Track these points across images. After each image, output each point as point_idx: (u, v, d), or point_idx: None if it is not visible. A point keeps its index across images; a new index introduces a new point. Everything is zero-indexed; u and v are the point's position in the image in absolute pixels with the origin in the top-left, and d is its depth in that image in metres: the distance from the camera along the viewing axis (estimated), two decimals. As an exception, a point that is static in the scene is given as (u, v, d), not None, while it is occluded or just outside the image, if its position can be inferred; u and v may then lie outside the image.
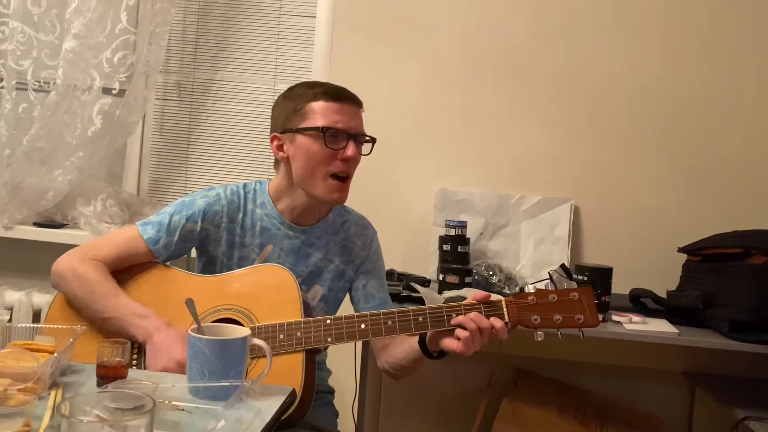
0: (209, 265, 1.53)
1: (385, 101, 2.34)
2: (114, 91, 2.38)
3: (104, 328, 1.37)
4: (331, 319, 1.36)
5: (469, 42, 2.38)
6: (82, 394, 0.94)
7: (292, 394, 1.20)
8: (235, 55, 2.63)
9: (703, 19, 2.29)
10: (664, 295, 2.02)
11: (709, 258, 1.96)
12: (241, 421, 1.05)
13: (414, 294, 1.91)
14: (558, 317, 1.33)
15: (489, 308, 1.34)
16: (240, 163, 2.63)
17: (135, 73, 2.38)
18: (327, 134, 1.42)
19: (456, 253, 2.15)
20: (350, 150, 1.44)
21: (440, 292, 1.96)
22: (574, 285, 2.00)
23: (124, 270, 1.45)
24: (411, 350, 1.43)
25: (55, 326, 1.25)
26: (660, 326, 1.84)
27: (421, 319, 1.34)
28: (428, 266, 2.30)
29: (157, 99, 2.65)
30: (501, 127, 2.37)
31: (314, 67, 2.54)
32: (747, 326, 1.77)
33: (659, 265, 2.17)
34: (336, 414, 1.68)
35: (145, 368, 1.34)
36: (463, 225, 2.18)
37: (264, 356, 1.20)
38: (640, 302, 2.00)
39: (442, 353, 1.38)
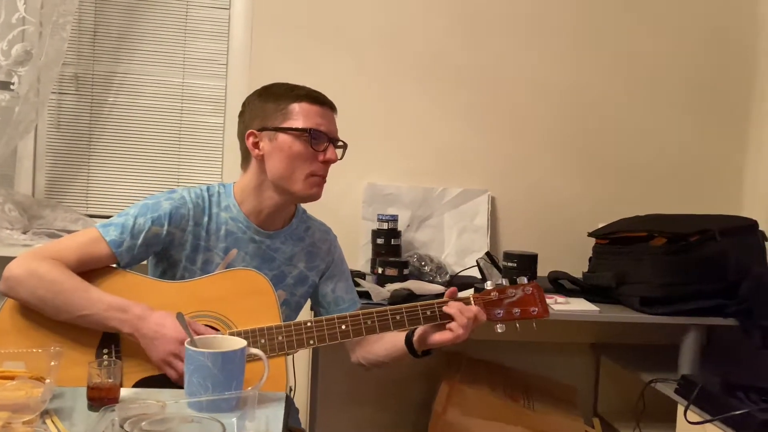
0: (169, 270, 1.49)
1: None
2: (13, 86, 2.18)
3: (78, 325, 1.31)
4: (311, 322, 1.39)
5: (392, 41, 2.45)
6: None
7: (288, 400, 1.22)
8: (138, 47, 2.50)
9: (604, 28, 2.53)
10: (577, 275, 2.23)
11: (616, 241, 2.19)
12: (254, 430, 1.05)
13: (359, 289, 1.95)
14: (517, 310, 1.46)
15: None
16: (148, 159, 2.52)
17: (36, 66, 2.20)
18: (312, 136, 1.44)
19: (389, 246, 2.22)
20: (331, 153, 1.46)
21: (382, 285, 2.02)
22: (497, 271, 2.17)
23: (83, 276, 1.37)
24: (394, 349, 1.50)
25: (23, 351, 1.17)
26: (581, 305, 2.03)
27: (398, 317, 1.41)
28: (359, 260, 2.35)
29: (52, 93, 2.45)
30: (423, 124, 2.47)
31: (231, 61, 2.48)
32: (655, 301, 2.00)
33: (569, 249, 2.40)
34: (297, 411, 1.70)
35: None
36: (395, 219, 2.26)
37: (251, 361, 1.20)
38: (559, 284, 2.19)
39: (426, 352, 1.46)
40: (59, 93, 2.48)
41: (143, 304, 1.32)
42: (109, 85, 2.51)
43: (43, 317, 1.33)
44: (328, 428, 2.33)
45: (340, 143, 1.51)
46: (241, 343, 1.17)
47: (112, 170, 2.51)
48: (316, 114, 1.46)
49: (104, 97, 2.51)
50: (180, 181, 2.55)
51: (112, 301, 1.31)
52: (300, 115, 1.45)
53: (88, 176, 2.52)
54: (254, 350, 1.19)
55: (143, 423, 0.83)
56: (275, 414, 1.13)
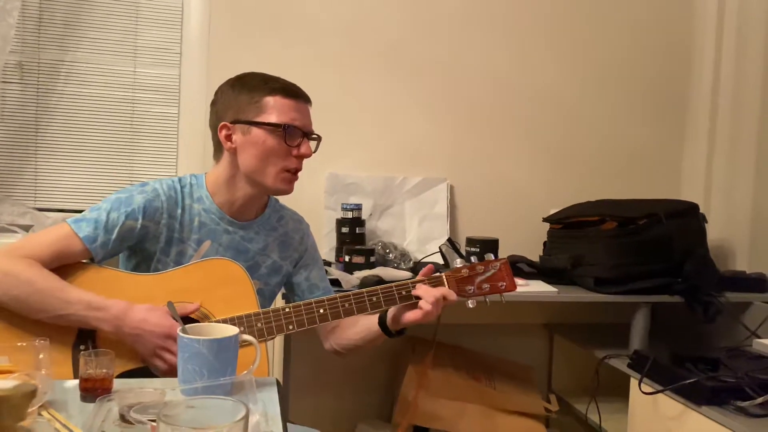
0: (143, 262, 1.47)
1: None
2: (-42, 75, 2.08)
3: (56, 324, 1.29)
4: (290, 307, 1.40)
5: (353, 30, 2.47)
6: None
7: (278, 384, 1.24)
8: (86, 34, 2.43)
9: (557, 25, 2.63)
10: (533, 259, 2.32)
11: (570, 225, 2.30)
12: (259, 414, 1.07)
13: (329, 277, 1.97)
14: (486, 286, 1.52)
15: (433, 282, 1.48)
16: (99, 150, 2.45)
17: (-19, 53, 2.11)
18: (287, 131, 1.43)
19: (354, 235, 2.25)
20: (305, 148, 1.47)
21: (350, 273, 2.05)
22: (458, 257, 2.23)
23: (57, 272, 1.34)
24: (368, 332, 1.52)
25: (7, 345, 1.15)
26: (540, 287, 2.12)
27: (374, 299, 1.44)
28: (323, 249, 2.36)
29: (-6, 82, 2.36)
30: (383, 114, 2.51)
31: (185, 50, 2.44)
32: (608, 281, 2.11)
33: (524, 234, 2.49)
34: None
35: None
36: (359, 207, 2.29)
37: (241, 347, 1.21)
38: (517, 267, 2.28)
39: (400, 331, 1.50)
40: (2, 82, 2.38)
41: (122, 301, 1.31)
42: (56, 73, 2.43)
43: (16, 317, 1.30)
44: (296, 414, 2.34)
45: (314, 136, 1.51)
46: (233, 329, 1.18)
47: (60, 162, 2.43)
48: (291, 108, 1.45)
49: (51, 87, 2.42)
50: (133, 172, 2.49)
51: (91, 299, 1.30)
52: (274, 110, 1.44)
53: (36, 168, 2.43)
54: (246, 336, 1.21)
55: (160, 409, 0.83)
56: (270, 397, 1.15)
